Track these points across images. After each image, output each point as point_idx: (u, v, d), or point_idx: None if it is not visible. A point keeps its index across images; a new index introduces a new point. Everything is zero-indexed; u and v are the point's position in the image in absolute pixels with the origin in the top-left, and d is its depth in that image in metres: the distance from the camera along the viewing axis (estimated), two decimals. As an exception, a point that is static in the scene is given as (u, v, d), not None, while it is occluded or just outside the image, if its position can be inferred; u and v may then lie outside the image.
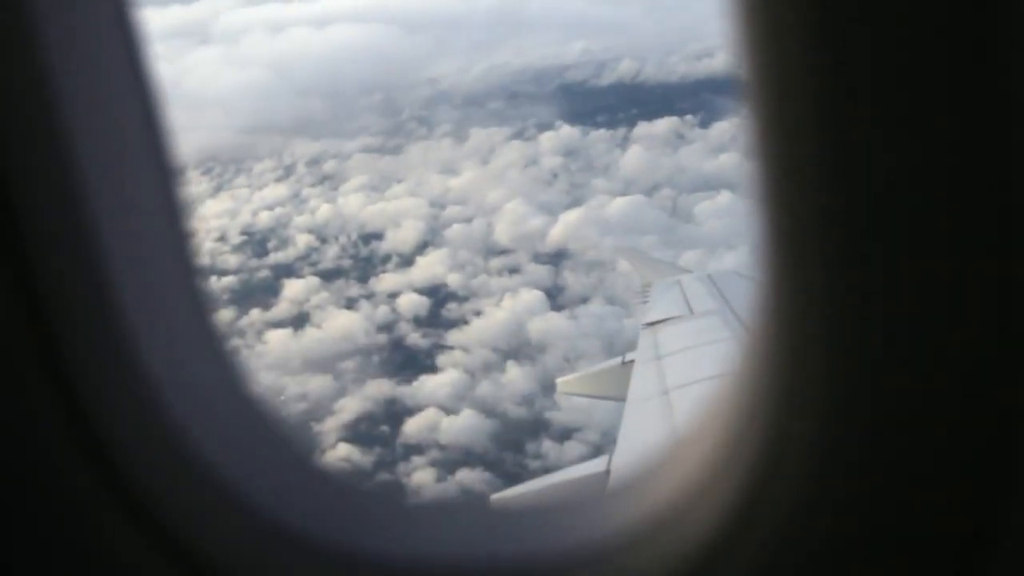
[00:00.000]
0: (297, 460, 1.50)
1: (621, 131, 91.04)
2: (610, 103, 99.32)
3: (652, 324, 13.62)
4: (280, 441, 1.50)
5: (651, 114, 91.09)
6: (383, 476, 51.89)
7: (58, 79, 1.18)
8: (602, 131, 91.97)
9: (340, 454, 53.39)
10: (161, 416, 1.33)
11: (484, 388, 58.41)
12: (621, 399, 11.40)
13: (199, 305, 1.47)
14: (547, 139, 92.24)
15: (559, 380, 15.87)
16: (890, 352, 1.08)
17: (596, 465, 9.98)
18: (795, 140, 1.03)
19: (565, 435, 50.91)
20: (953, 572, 1.15)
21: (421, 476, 51.37)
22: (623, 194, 79.35)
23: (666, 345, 12.50)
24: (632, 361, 12.56)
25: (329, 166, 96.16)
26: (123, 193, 1.31)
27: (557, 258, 72.88)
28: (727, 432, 1.25)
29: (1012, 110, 0.98)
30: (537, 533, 1.41)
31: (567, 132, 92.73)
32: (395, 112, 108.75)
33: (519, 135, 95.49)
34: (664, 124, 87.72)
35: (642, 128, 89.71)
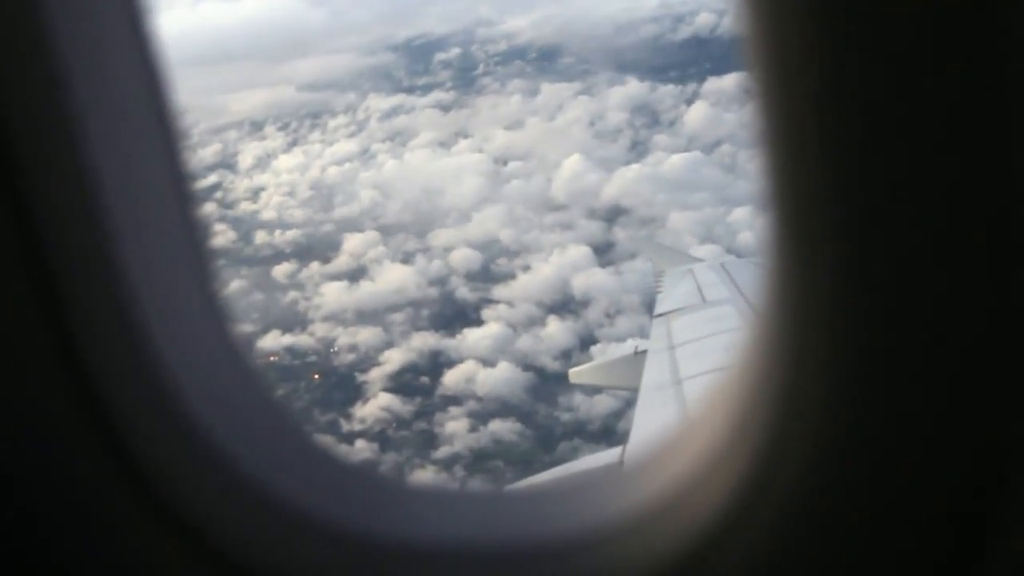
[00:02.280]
0: (309, 447, 1.51)
1: (691, 86, 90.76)
2: (683, 58, 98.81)
3: (665, 313, 13.69)
4: (292, 428, 1.51)
5: (722, 69, 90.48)
6: (420, 425, 53.78)
7: (71, 80, 1.20)
8: (670, 87, 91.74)
9: (381, 403, 55.41)
10: (176, 407, 1.34)
11: (524, 342, 59.77)
12: (634, 389, 11.52)
13: (213, 298, 1.47)
14: (615, 94, 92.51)
15: (571, 371, 15.95)
16: (895, 345, 1.08)
17: (610, 456, 10.07)
18: (801, 133, 1.03)
19: (596, 389, 51.78)
20: (953, 560, 1.17)
21: (456, 426, 53.03)
22: (684, 150, 79.36)
23: (679, 335, 12.58)
24: (645, 351, 12.62)
25: (400, 121, 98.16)
26: (137, 192, 1.32)
27: (610, 214, 73.62)
28: (732, 419, 1.26)
29: (1019, 102, 0.97)
30: (544, 516, 1.44)
31: (635, 87, 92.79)
32: (470, 67, 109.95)
33: (588, 90, 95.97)
34: (733, 79, 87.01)
35: (711, 83, 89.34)
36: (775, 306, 1.18)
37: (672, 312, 13.65)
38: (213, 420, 1.38)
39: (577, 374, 15.86)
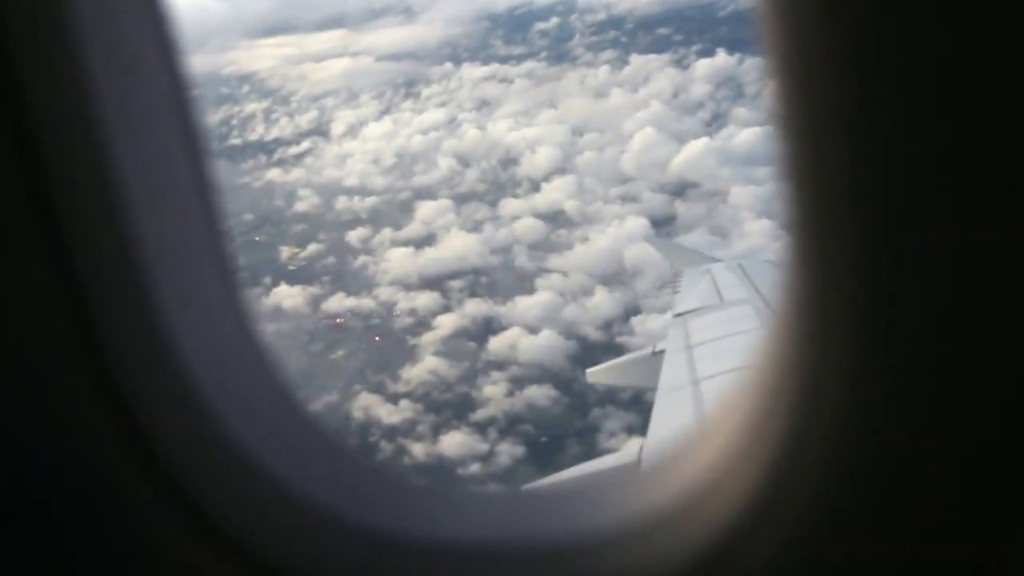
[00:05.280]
0: (329, 444, 1.52)
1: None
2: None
3: (682, 313, 13.43)
4: (313, 425, 1.51)
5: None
6: (462, 389, 55.91)
7: (95, 78, 1.20)
8: (758, 59, 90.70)
9: (428, 366, 57.78)
10: (197, 403, 1.35)
11: (571, 311, 61.29)
12: (652, 389, 11.28)
13: (234, 294, 1.47)
14: (701, 66, 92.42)
15: (588, 370, 15.42)
16: (915, 347, 1.06)
17: (627, 455, 9.94)
18: (822, 126, 1.00)
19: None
20: (973, 562, 1.16)
21: (493, 390, 55.02)
22: (761, 124, 79.00)
23: (697, 335, 12.31)
24: (662, 351, 12.33)
25: (490, 91, 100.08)
26: (159, 189, 1.32)
27: (676, 188, 74.22)
28: (750, 421, 1.25)
29: None
30: (561, 517, 1.43)
31: (723, 60, 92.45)
32: (566, 37, 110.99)
33: (677, 62, 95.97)
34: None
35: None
36: (794, 306, 1.17)
37: (690, 312, 13.38)
38: (234, 415, 1.39)
39: (594, 373, 15.37)
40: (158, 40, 1.33)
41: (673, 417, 9.83)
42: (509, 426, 52.38)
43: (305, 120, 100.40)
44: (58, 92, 1.21)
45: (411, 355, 59.72)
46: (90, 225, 1.26)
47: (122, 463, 1.36)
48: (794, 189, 1.07)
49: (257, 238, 76.99)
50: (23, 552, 1.45)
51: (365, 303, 66.45)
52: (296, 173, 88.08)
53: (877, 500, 1.17)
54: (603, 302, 61.62)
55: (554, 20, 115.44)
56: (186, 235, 1.40)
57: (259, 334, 1.52)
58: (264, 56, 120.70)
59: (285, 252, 74.58)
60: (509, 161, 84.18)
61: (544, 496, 1.66)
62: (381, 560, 1.40)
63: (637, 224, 68.97)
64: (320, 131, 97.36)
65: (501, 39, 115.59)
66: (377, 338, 63.54)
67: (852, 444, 1.14)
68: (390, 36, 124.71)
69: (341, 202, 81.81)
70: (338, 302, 66.51)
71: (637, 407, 46.70)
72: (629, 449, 10.67)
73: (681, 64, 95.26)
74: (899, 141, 0.98)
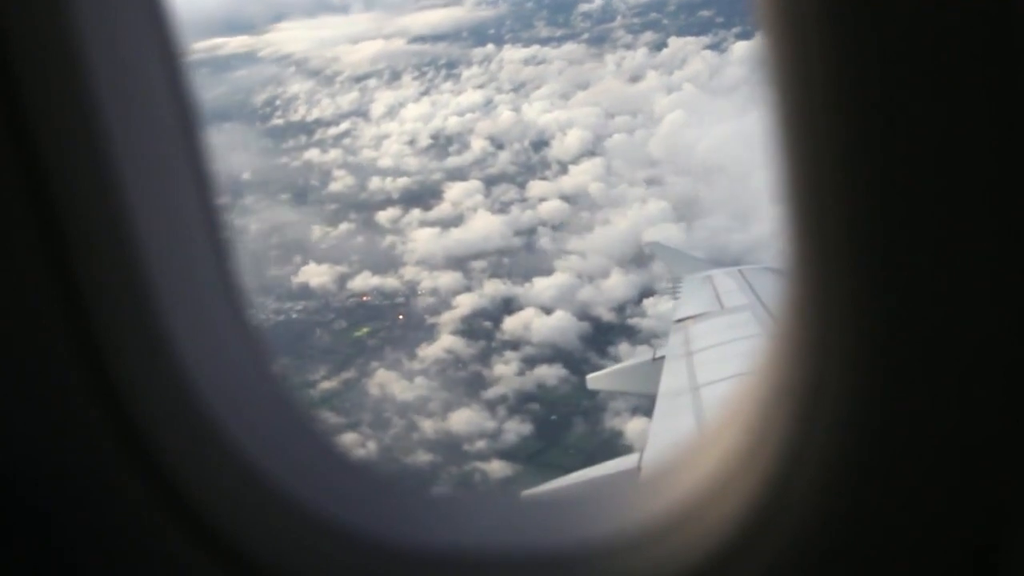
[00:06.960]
0: (329, 450, 1.52)
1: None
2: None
3: (683, 320, 13.59)
4: (312, 431, 1.52)
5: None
6: (475, 367, 57.28)
7: (94, 75, 1.20)
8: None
9: (444, 345, 59.20)
10: (196, 408, 1.34)
11: (586, 292, 62.29)
12: (652, 395, 11.42)
13: (234, 299, 1.47)
14: (738, 49, 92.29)
15: (589, 376, 15.79)
16: (916, 351, 1.06)
17: (627, 462, 9.98)
18: (820, 132, 0.99)
19: (644, 340, 53.76)
20: (974, 560, 1.15)
21: (504, 369, 56.30)
22: (791, 107, 78.99)
23: (697, 341, 12.46)
24: (663, 357, 12.43)
25: (529, 73, 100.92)
26: (158, 190, 1.32)
27: (700, 171, 74.63)
28: (751, 427, 1.25)
29: None
30: (561, 524, 1.43)
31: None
32: (608, 19, 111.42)
33: (715, 45, 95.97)
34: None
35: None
36: (794, 308, 1.16)
37: (690, 318, 13.57)
38: (232, 418, 1.39)
39: (595, 379, 15.74)
40: (158, 40, 1.34)
41: (674, 423, 10.04)
42: (518, 404, 53.58)
43: (346, 101, 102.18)
44: (58, 92, 1.21)
45: (430, 334, 61.20)
46: (90, 225, 1.26)
47: (121, 464, 1.36)
48: (793, 189, 1.08)
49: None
50: (22, 553, 1.45)
51: (390, 282, 67.99)
52: (333, 153, 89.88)
53: (879, 505, 1.17)
54: (618, 284, 62.51)
55: (597, 1, 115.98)
56: (186, 235, 1.40)
57: (259, 335, 1.52)
58: (299, 38, 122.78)
59: (316, 231, 76.46)
60: (541, 143, 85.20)
61: (544, 503, 1.71)
62: (380, 568, 1.41)
63: (658, 207, 69.69)
64: (359, 112, 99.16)
65: (544, 20, 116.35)
66: (401, 317, 65.07)
67: (852, 445, 1.15)
68: (424, 18, 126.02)
69: (374, 183, 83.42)
70: (364, 281, 68.15)
71: (643, 388, 47.29)
72: (629, 456, 10.62)
73: (719, 47, 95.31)
74: (899, 141, 0.98)
